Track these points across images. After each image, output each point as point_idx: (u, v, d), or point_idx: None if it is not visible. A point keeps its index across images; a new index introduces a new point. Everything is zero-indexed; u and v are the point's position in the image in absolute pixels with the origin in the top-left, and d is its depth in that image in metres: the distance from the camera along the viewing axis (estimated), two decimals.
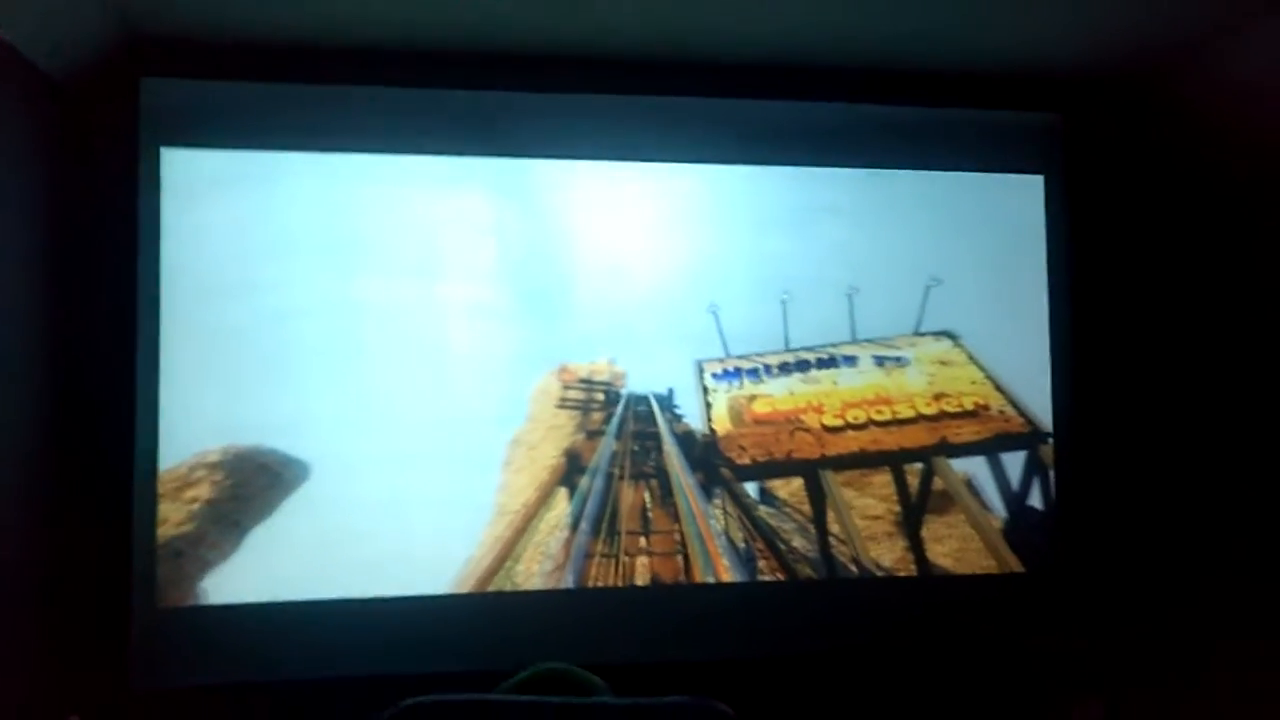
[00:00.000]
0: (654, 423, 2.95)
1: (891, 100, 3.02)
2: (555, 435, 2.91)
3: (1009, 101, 3.09)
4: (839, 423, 3.06)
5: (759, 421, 2.98)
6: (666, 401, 2.95)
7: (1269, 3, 2.54)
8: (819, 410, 3.05)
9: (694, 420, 2.94)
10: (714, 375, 3.00)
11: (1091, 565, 3.06)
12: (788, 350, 3.03)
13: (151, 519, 2.59)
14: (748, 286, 2.99)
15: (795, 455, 3.01)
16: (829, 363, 3.06)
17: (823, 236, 3.03)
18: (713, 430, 2.94)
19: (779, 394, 3.02)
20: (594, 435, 2.94)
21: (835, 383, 3.07)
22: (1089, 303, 3.12)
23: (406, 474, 2.75)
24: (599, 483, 2.94)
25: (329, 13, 2.49)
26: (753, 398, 3.00)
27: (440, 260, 2.82)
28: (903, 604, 3.00)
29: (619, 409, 2.93)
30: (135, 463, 2.58)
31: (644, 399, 2.95)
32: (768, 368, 3.03)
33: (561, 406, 2.89)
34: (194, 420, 2.64)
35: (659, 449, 2.96)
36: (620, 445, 2.94)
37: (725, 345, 2.99)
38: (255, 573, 2.65)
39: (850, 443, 3.05)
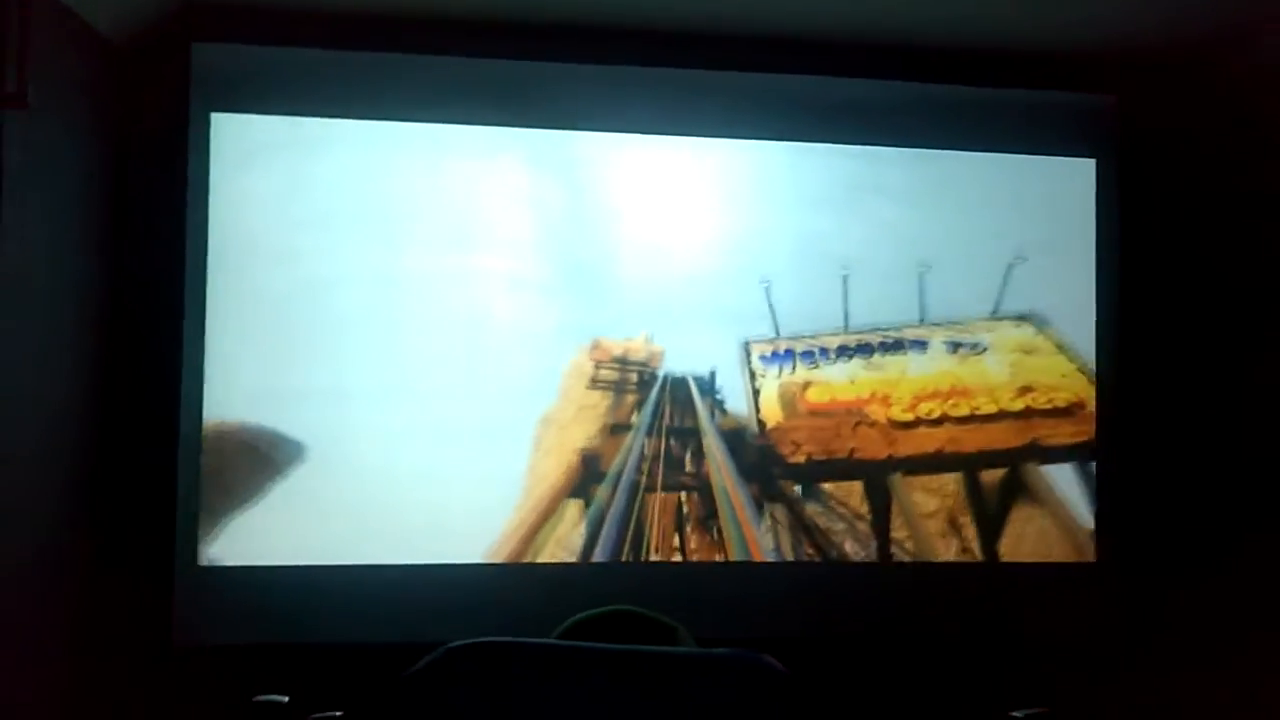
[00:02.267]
0: (693, 412, 2.73)
1: (942, 79, 2.92)
2: (587, 416, 2.81)
3: (1062, 82, 3.00)
4: (909, 417, 2.81)
5: (815, 412, 2.73)
6: (708, 386, 2.75)
7: None
8: (885, 401, 2.80)
9: (739, 407, 2.73)
10: (763, 357, 2.76)
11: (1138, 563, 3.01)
12: (847, 331, 2.77)
13: (195, 478, 2.63)
14: (795, 264, 2.89)
15: (858, 454, 2.77)
16: (895, 346, 2.79)
17: (872, 216, 2.91)
18: (761, 422, 2.72)
19: (838, 380, 2.76)
20: (619, 431, 2.74)
21: (904, 370, 2.82)
22: (1138, 291, 3.05)
23: (440, 446, 2.72)
24: (621, 497, 2.78)
25: None
26: (807, 384, 2.75)
27: (479, 231, 2.81)
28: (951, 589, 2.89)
29: (654, 392, 2.75)
30: (180, 423, 2.62)
31: (683, 382, 2.76)
32: (824, 350, 2.76)
33: (593, 386, 2.77)
34: (236, 384, 2.67)
35: (699, 449, 2.74)
36: (652, 444, 2.74)
37: (776, 323, 2.77)
38: (289, 536, 2.66)
39: (923, 441, 2.80)
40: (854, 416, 2.80)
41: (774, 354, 2.81)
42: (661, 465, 2.79)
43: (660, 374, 2.83)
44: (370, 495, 2.70)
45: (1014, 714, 2.36)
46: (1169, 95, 3.00)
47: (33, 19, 1.93)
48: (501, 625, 2.55)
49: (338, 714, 2.28)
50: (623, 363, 2.81)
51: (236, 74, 2.67)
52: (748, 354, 2.81)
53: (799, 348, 2.82)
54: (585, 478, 2.78)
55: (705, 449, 2.80)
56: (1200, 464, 2.93)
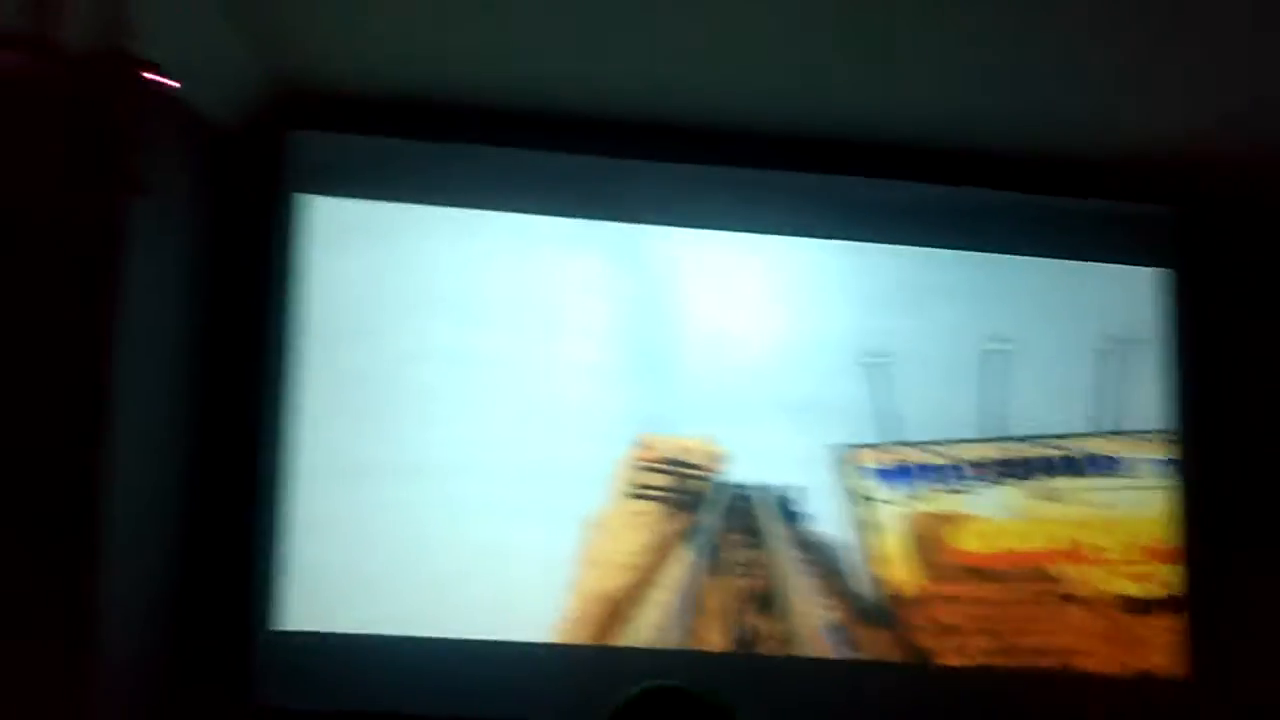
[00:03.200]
0: (762, 543, 2.21)
1: (1004, 185, 2.98)
2: (639, 524, 2.64)
3: (1126, 193, 3.02)
4: (1140, 588, 2.08)
5: (974, 570, 2.07)
6: (787, 506, 2.28)
7: None
8: (1084, 556, 2.08)
9: (843, 547, 2.19)
10: (877, 471, 2.19)
11: None
12: (994, 440, 2.16)
13: (272, 545, 2.67)
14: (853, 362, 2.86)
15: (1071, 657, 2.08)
16: (1071, 466, 2.14)
17: (934, 318, 2.91)
18: (882, 582, 2.05)
19: (997, 515, 2.10)
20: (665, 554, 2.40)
21: (1106, 503, 2.13)
22: (1209, 402, 2.96)
23: (507, 524, 2.75)
24: None
25: (464, 75, 2.67)
26: (950, 519, 2.14)
27: (555, 318, 2.87)
28: None
29: (710, 515, 2.37)
30: (261, 491, 2.69)
31: (746, 497, 2.34)
32: (959, 469, 2.06)
33: (637, 496, 2.51)
34: (320, 456, 2.73)
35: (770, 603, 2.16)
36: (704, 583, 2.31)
37: (884, 423, 2.22)
38: (364, 604, 2.69)
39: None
40: (1040, 578, 2.05)
41: (895, 467, 2.17)
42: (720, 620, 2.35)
43: (720, 482, 2.54)
44: (439, 568, 2.72)
45: None
46: (1233, 204, 3.02)
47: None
48: (568, 705, 2.59)
49: None
50: (677, 466, 2.52)
51: (330, 160, 2.80)
52: (844, 464, 2.21)
53: (927, 460, 2.18)
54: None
55: (781, 609, 2.27)
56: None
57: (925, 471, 2.17)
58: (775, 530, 2.26)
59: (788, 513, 2.39)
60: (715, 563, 2.48)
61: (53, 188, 1.94)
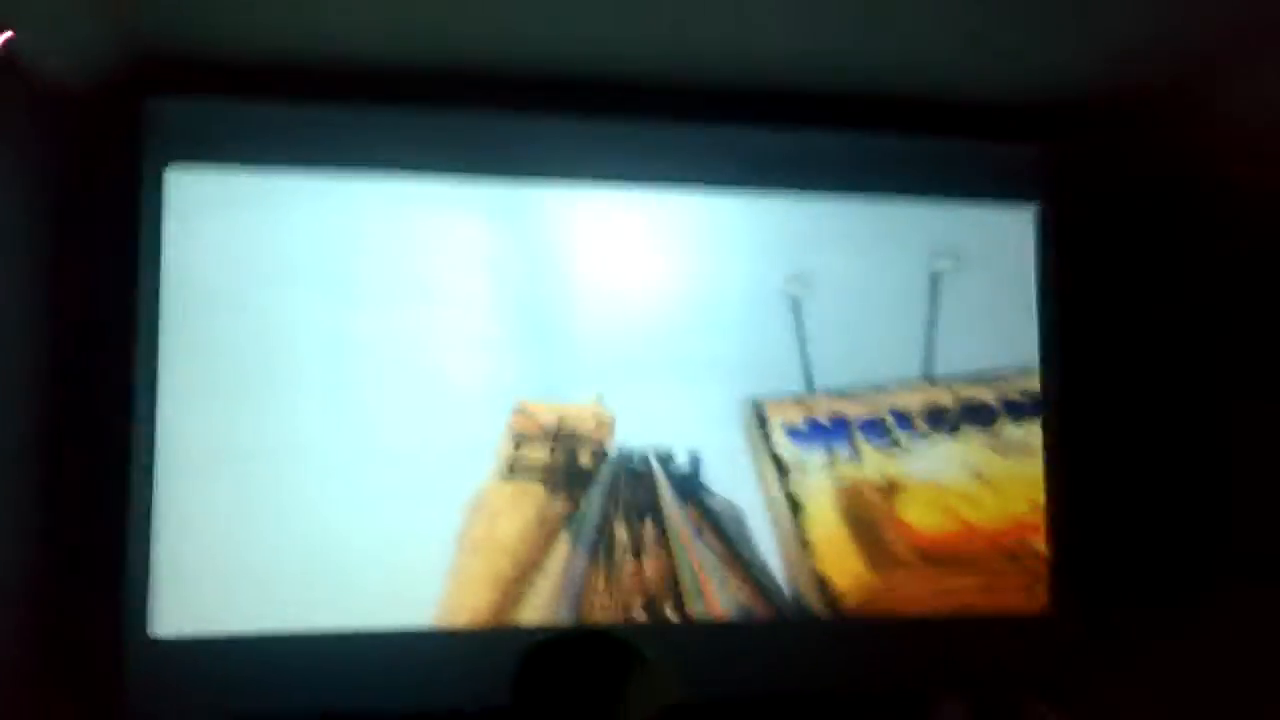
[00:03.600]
0: (659, 523, 2.16)
1: (882, 128, 3.02)
2: (522, 503, 2.55)
3: (999, 131, 3.11)
4: None
5: (932, 557, 1.94)
6: (688, 484, 2.25)
7: (1261, 44, 2.61)
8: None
9: (758, 530, 2.17)
10: (793, 433, 2.13)
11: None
12: (927, 380, 2.11)
13: (145, 541, 2.53)
14: (754, 315, 2.87)
15: None
16: (1019, 409, 2.12)
17: (818, 266, 2.94)
18: (820, 578, 1.99)
19: (950, 479, 1.99)
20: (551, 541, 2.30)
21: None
22: (1077, 339, 3.11)
23: (384, 506, 2.66)
24: None
25: (330, 32, 2.56)
26: (894, 487, 2.08)
27: (433, 286, 2.78)
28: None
29: (597, 492, 2.31)
30: (131, 483, 2.55)
31: (641, 473, 2.30)
32: (903, 417, 1.93)
33: (510, 477, 2.45)
34: (189, 440, 2.60)
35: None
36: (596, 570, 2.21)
37: (809, 372, 2.18)
38: (240, 601, 2.57)
39: None
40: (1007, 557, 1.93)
41: (815, 426, 2.06)
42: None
43: (610, 455, 2.47)
44: (316, 556, 2.62)
45: None
46: (1102, 142, 3.15)
47: None
48: (459, 692, 2.53)
49: None
50: (556, 438, 2.39)
51: (189, 127, 2.65)
52: (764, 424, 2.12)
53: (843, 411, 2.02)
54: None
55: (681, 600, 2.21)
56: (1144, 514, 2.99)
57: (850, 427, 2.02)
58: (674, 507, 2.16)
59: (687, 485, 2.32)
60: (605, 546, 2.39)
61: None
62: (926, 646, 2.64)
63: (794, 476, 2.29)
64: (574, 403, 2.67)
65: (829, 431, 2.17)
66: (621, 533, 2.32)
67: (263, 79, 2.69)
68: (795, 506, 2.16)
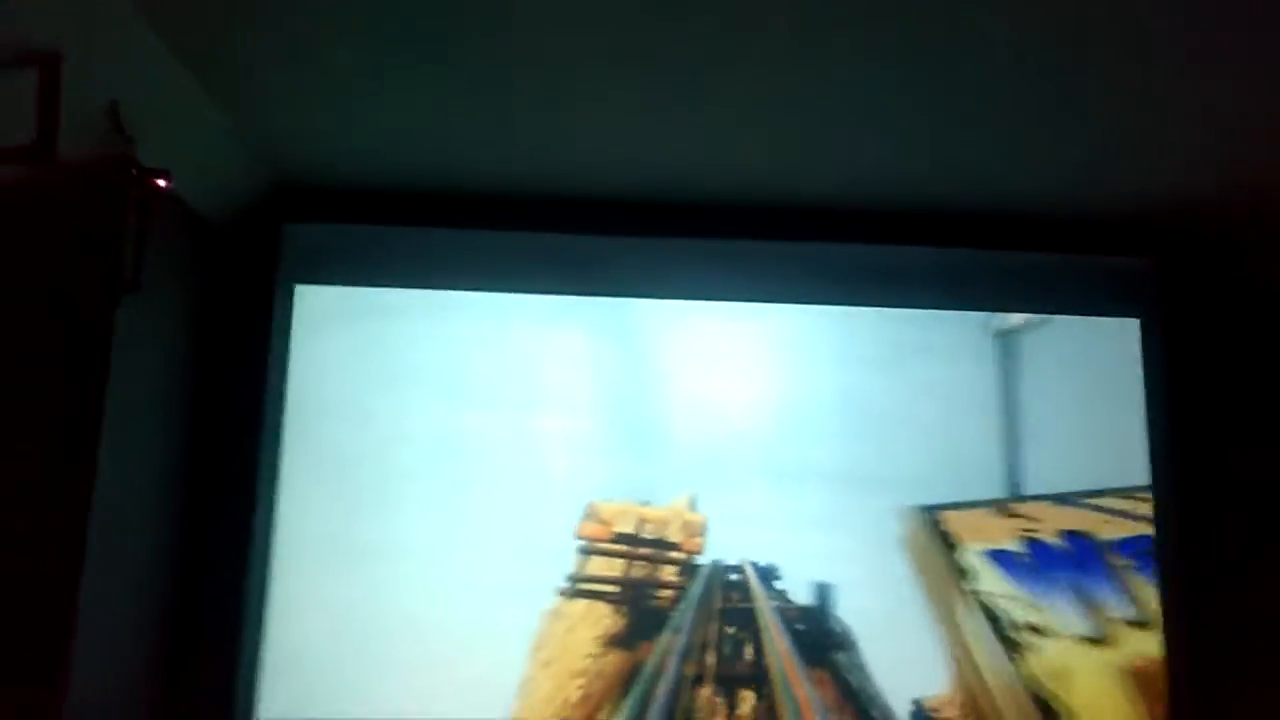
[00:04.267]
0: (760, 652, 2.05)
1: (983, 244, 3.04)
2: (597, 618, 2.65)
3: (1104, 246, 3.08)
4: None
5: None
6: (822, 634, 2.10)
7: None
8: None
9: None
10: (991, 555, 1.85)
11: None
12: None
13: (258, 631, 2.71)
14: (840, 423, 2.94)
15: None
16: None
17: (917, 376, 2.97)
18: None
19: None
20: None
21: None
22: (1190, 449, 3.04)
23: (490, 604, 2.76)
24: None
25: (446, 163, 2.78)
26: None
27: (537, 393, 2.93)
28: None
29: (686, 615, 2.30)
30: (250, 576, 2.74)
31: (744, 610, 2.28)
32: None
33: (574, 594, 2.53)
34: (306, 538, 2.79)
35: None
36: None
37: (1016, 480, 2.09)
38: (339, 691, 2.71)
39: None
40: None
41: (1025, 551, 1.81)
42: None
43: (702, 566, 2.56)
44: (425, 650, 2.75)
45: None
46: (1210, 255, 3.08)
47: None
48: None
49: None
50: (636, 542, 2.37)
51: (321, 248, 2.92)
52: (951, 542, 1.83)
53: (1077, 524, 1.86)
54: None
55: None
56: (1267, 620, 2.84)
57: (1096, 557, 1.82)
58: (778, 640, 2.06)
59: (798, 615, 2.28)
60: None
61: (51, 289, 2.04)
62: None
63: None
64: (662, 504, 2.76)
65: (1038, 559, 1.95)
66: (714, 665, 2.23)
67: (386, 205, 2.94)
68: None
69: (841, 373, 3.00)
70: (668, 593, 2.48)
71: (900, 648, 2.73)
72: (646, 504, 2.81)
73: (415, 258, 2.94)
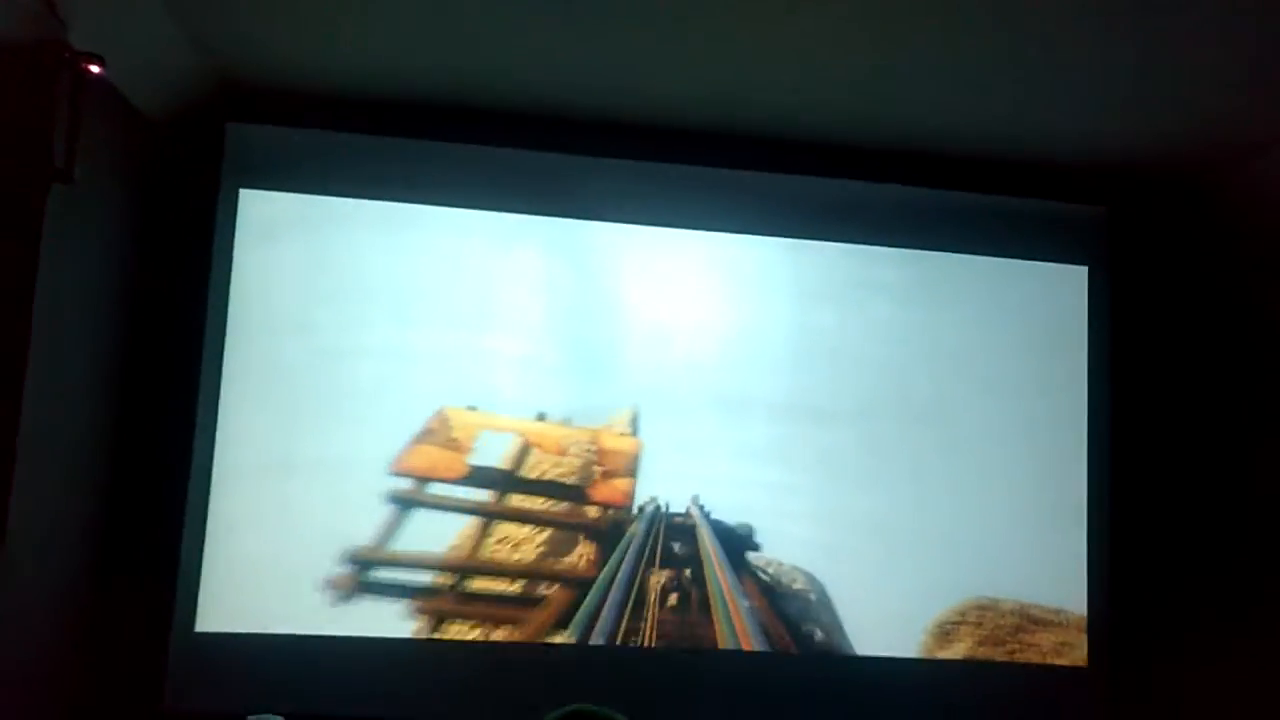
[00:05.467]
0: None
1: (941, 184, 3.04)
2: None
3: (1057, 192, 3.12)
4: None
5: None
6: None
7: None
8: None
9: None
10: None
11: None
12: None
13: (199, 545, 2.66)
14: (790, 358, 2.97)
15: None
16: None
17: (868, 313, 3.02)
18: None
19: None
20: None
21: None
22: (1129, 399, 3.09)
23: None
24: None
25: (404, 70, 2.68)
26: None
27: (491, 313, 2.89)
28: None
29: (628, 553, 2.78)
30: (189, 489, 2.68)
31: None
32: None
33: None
34: (247, 450, 2.73)
35: None
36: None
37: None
38: (286, 603, 2.70)
39: None
40: None
41: None
42: None
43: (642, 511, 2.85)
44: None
45: None
46: (1159, 208, 3.12)
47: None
48: (491, 707, 2.63)
49: None
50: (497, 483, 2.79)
51: (267, 152, 2.80)
52: None
53: None
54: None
55: None
56: (1191, 568, 2.96)
57: None
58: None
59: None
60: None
61: None
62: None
63: None
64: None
65: None
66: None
67: (338, 111, 2.83)
68: None
69: (796, 307, 3.00)
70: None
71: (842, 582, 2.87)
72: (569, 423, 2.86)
73: (366, 166, 2.84)
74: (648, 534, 2.81)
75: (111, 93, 2.37)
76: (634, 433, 2.87)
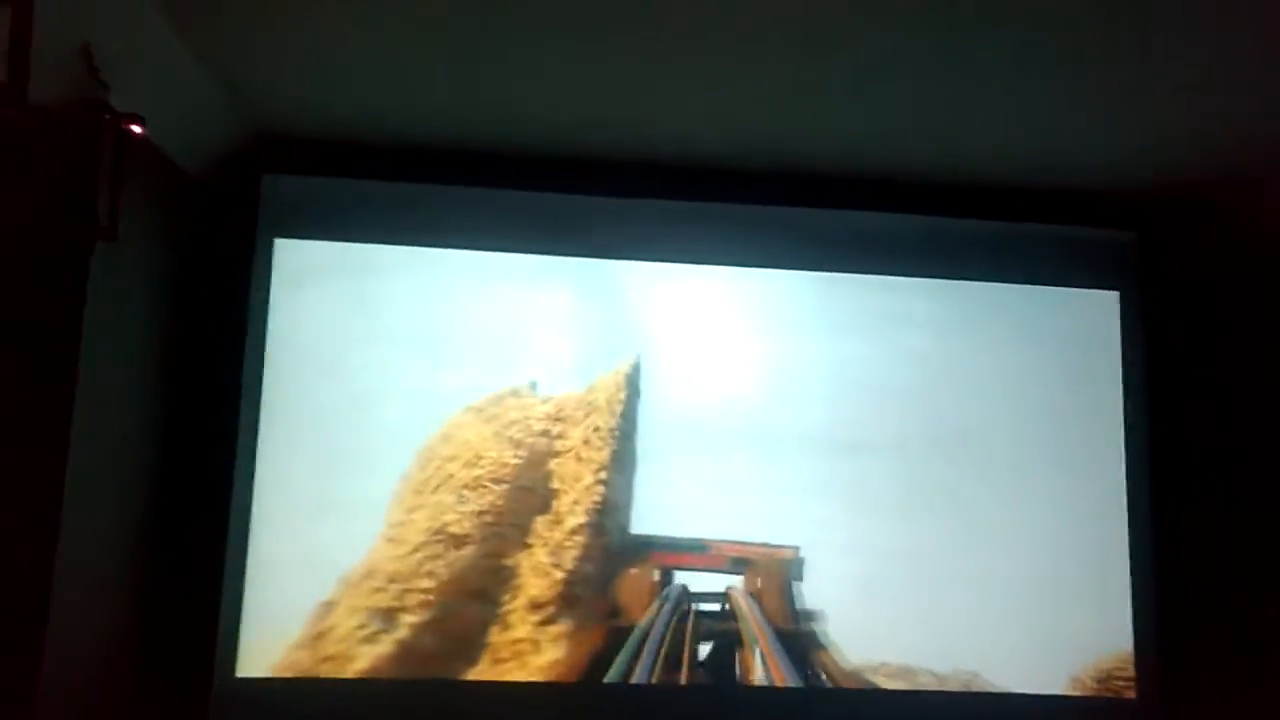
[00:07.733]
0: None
1: (970, 214, 3.04)
2: None
3: (1087, 218, 3.09)
4: None
5: None
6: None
7: None
8: None
9: None
10: None
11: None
12: None
13: (239, 589, 2.69)
14: (823, 390, 2.97)
15: None
16: None
17: (900, 344, 3.02)
18: None
19: None
20: None
21: None
22: (1166, 423, 3.06)
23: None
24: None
25: (430, 118, 2.73)
26: None
27: (521, 354, 2.92)
28: None
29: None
30: (229, 532, 2.72)
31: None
32: None
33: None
34: (284, 493, 2.76)
35: None
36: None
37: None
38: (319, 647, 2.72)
39: None
40: None
41: None
42: None
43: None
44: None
45: None
46: (1189, 232, 3.10)
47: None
48: None
49: None
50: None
51: (300, 202, 2.86)
52: None
53: None
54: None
55: None
56: (1237, 594, 2.90)
57: None
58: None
59: None
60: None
61: (23, 234, 1.99)
62: None
63: None
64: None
65: None
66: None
67: (367, 159, 2.88)
68: None
69: (826, 340, 3.00)
70: None
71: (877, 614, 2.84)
72: None
73: (396, 213, 2.89)
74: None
75: (152, 150, 2.43)
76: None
